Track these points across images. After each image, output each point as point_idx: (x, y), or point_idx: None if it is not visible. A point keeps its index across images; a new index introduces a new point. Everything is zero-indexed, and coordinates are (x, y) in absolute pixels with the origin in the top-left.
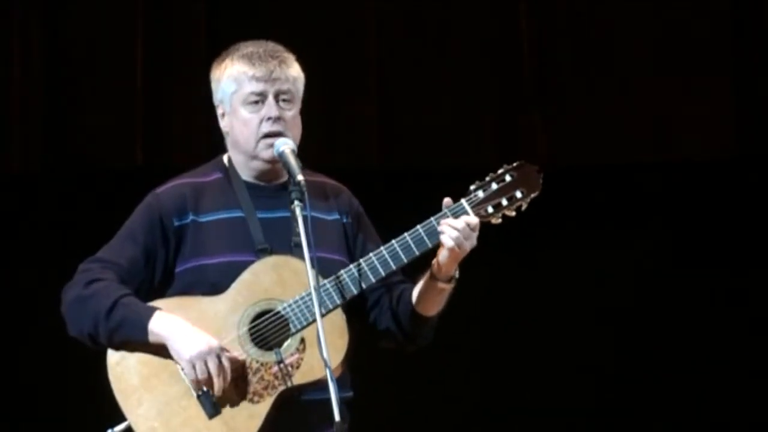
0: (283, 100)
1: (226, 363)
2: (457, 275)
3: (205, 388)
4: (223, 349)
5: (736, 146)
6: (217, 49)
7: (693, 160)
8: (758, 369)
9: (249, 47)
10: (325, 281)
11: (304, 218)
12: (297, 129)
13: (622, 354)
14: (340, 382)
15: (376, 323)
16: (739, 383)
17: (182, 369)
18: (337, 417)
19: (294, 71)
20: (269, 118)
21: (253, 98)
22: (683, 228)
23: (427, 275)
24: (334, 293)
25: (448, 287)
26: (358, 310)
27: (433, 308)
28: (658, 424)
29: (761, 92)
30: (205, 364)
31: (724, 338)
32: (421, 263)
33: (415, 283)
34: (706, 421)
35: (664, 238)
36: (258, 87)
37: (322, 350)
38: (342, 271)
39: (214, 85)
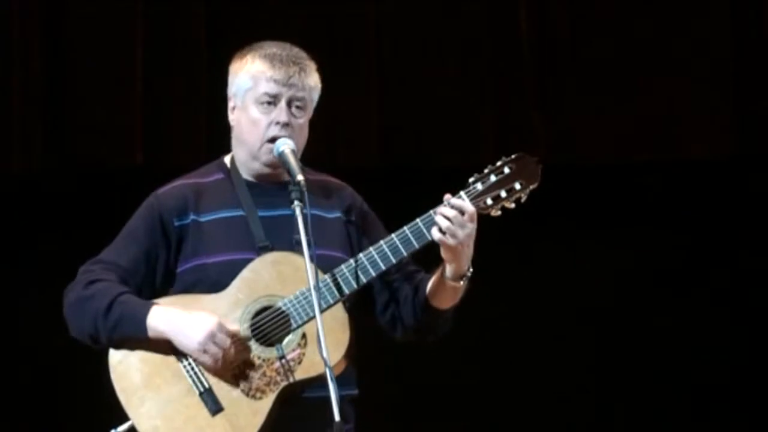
0: (296, 107)
1: (229, 338)
2: (469, 273)
3: (207, 385)
4: (221, 324)
5: (736, 146)
6: (217, 48)
7: (693, 160)
8: (758, 368)
9: (273, 48)
10: (325, 276)
11: (304, 217)
12: (303, 137)
13: (620, 353)
14: (344, 380)
15: (393, 320)
16: (740, 382)
17: (185, 365)
18: (336, 417)
19: (312, 81)
20: (278, 123)
21: (266, 99)
22: (683, 228)
23: (438, 272)
24: (334, 288)
25: (459, 286)
26: (374, 304)
27: (446, 303)
28: (657, 424)
29: (761, 92)
30: (215, 344)
31: (724, 337)
32: (437, 253)
33: (431, 274)
34: (705, 422)
35: (664, 238)
36: (273, 89)
37: (322, 347)
38: (342, 266)
39: (230, 78)
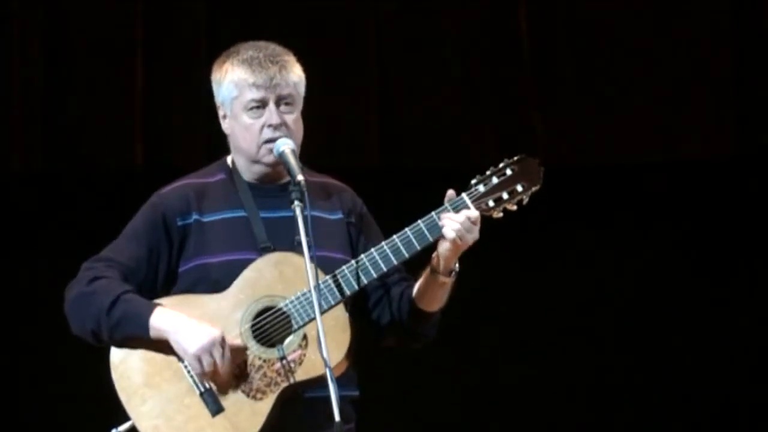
0: (285, 104)
1: (228, 353)
2: (457, 269)
3: (207, 386)
4: (224, 339)
5: (736, 146)
6: (217, 49)
7: (693, 160)
8: (758, 368)
9: (249, 51)
10: (327, 277)
11: (304, 218)
12: (299, 131)
13: (620, 353)
14: (345, 381)
15: (379, 320)
16: (739, 382)
17: (186, 365)
18: (336, 417)
19: (295, 75)
20: (270, 125)
21: (254, 104)
22: (683, 228)
23: (427, 270)
24: (335, 289)
25: (448, 281)
26: (360, 308)
27: (434, 303)
28: (659, 423)
29: (761, 92)
30: (211, 355)
31: (723, 337)
32: (423, 260)
33: (416, 279)
34: (707, 420)
35: (664, 238)
36: (259, 94)
37: (322, 349)
38: (343, 267)
39: (214, 87)
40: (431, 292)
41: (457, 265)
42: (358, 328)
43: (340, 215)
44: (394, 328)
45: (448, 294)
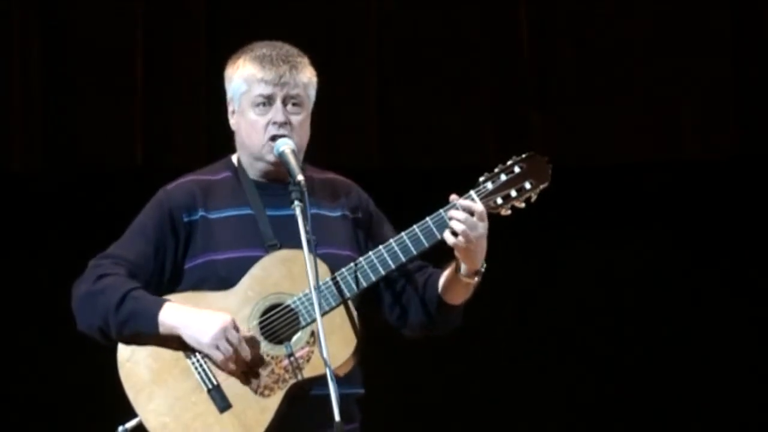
0: (292, 104)
1: (241, 336)
2: (483, 269)
3: (215, 382)
4: (234, 322)
5: (736, 146)
6: (217, 49)
7: (693, 160)
8: (758, 368)
9: (263, 49)
10: (335, 275)
11: (304, 217)
12: (304, 133)
13: (621, 353)
14: (351, 379)
15: (403, 312)
16: (740, 382)
17: (193, 362)
18: (337, 417)
19: (305, 77)
20: (275, 123)
21: (260, 100)
22: (683, 228)
23: (452, 267)
24: (343, 286)
25: (471, 281)
26: (381, 300)
27: (459, 298)
28: (660, 422)
29: (761, 92)
30: (227, 340)
31: (724, 337)
32: (450, 250)
33: (442, 269)
34: (708, 420)
35: (664, 238)
36: (266, 90)
37: (327, 346)
38: (351, 264)
39: (226, 83)
40: (455, 289)
41: (483, 266)
42: (367, 325)
43: (343, 212)
44: (421, 319)
45: (473, 290)
